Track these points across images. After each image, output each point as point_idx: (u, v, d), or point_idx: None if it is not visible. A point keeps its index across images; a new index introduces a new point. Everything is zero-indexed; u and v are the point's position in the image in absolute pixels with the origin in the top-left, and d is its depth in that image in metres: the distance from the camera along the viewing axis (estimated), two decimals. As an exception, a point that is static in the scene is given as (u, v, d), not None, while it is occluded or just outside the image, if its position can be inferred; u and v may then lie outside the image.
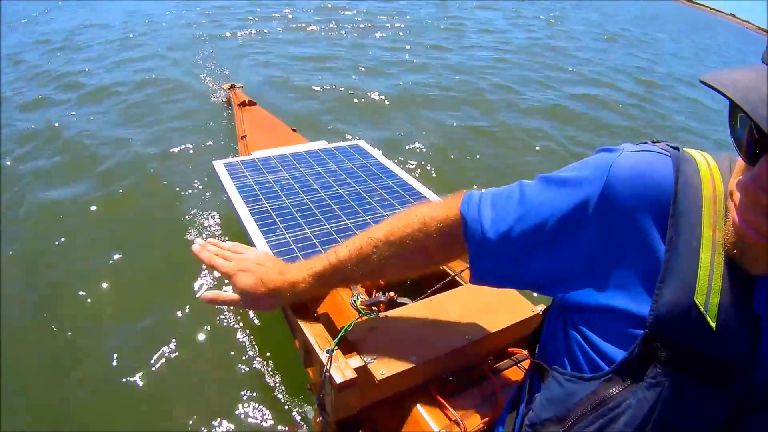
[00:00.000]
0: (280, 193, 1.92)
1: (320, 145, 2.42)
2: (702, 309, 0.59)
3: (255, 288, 1.08)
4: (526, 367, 1.21)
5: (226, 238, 2.66)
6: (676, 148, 0.70)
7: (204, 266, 2.47)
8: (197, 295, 1.03)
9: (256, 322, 2.21)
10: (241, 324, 2.21)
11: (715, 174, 0.65)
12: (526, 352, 1.27)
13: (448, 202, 0.95)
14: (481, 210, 0.86)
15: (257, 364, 2.04)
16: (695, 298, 0.59)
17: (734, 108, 0.56)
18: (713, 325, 0.58)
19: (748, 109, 0.49)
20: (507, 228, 0.81)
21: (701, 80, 0.54)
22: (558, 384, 0.74)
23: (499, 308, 1.27)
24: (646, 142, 0.74)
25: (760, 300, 0.60)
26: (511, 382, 1.20)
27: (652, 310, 0.62)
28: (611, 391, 0.65)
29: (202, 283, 2.39)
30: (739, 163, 0.59)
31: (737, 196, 0.58)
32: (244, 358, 2.07)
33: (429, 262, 1.01)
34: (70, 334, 2.14)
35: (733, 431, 0.61)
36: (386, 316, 1.23)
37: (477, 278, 0.91)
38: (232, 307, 0.91)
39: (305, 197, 1.89)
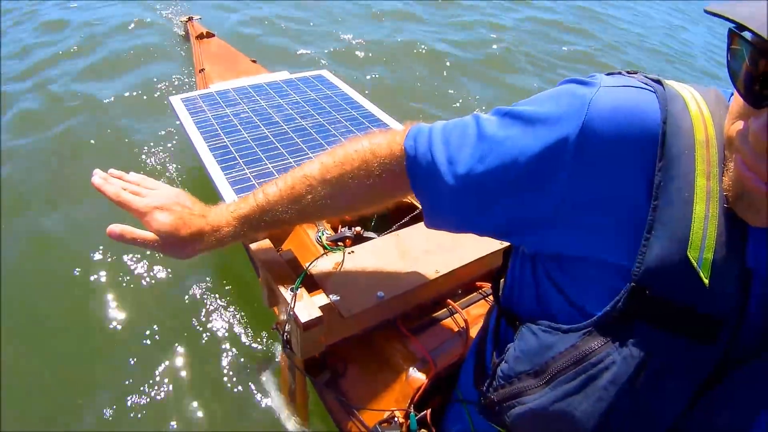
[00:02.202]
0: (239, 126, 1.84)
1: (281, 75, 2.32)
2: (695, 264, 0.55)
3: (177, 229, 0.90)
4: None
5: (181, 178, 2.58)
6: (658, 81, 0.63)
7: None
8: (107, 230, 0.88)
9: (213, 259, 2.16)
10: (201, 260, 2.15)
11: (706, 114, 0.59)
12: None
13: (391, 136, 0.85)
14: (433, 148, 0.76)
15: (219, 301, 2.00)
16: (688, 253, 0.55)
17: (732, 38, 0.50)
18: (706, 281, 0.55)
19: (754, 26, 0.44)
20: (466, 170, 0.71)
21: (705, 10, 0.49)
22: (533, 335, 0.69)
23: (467, 241, 1.24)
24: (620, 73, 0.67)
25: (752, 253, 0.57)
26: (480, 316, 1.18)
27: (638, 262, 0.57)
28: (592, 345, 0.61)
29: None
30: (736, 102, 0.54)
31: (740, 144, 0.52)
32: (204, 295, 2.02)
33: (372, 202, 0.91)
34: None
35: (716, 385, 0.59)
36: (352, 251, 1.19)
37: (432, 224, 0.84)
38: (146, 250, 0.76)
39: (266, 130, 1.81)
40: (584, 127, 0.60)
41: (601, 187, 0.60)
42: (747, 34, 0.48)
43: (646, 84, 0.62)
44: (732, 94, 0.63)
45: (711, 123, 0.59)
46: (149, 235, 0.91)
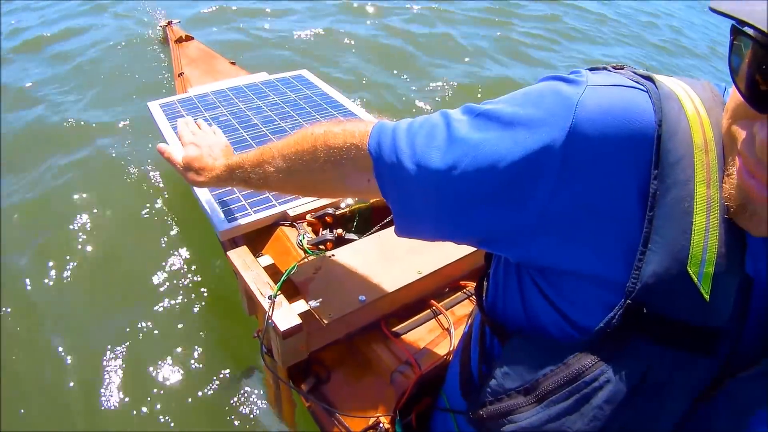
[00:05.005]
0: (218, 130, 1.80)
1: (261, 77, 2.29)
2: (695, 280, 0.52)
3: (191, 161, 1.13)
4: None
5: (163, 189, 2.55)
6: (649, 78, 0.58)
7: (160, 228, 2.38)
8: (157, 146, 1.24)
9: (195, 268, 2.14)
10: (184, 268, 2.14)
11: (703, 114, 0.55)
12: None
13: (349, 129, 0.80)
14: (399, 150, 0.70)
15: (200, 309, 1.98)
16: (688, 268, 0.52)
17: (734, 34, 0.47)
18: (707, 297, 0.52)
19: (756, 22, 0.41)
20: (437, 176, 0.65)
21: (710, 7, 0.46)
22: (521, 350, 0.66)
23: (450, 240, 1.22)
24: (605, 68, 0.61)
25: (752, 261, 0.54)
26: (466, 316, 1.16)
27: (634, 278, 0.54)
28: (585, 363, 0.57)
29: (145, 233, 2.30)
30: (734, 99, 0.51)
31: (744, 151, 0.48)
32: (186, 302, 2.00)
33: (322, 189, 0.95)
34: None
35: (715, 394, 0.57)
36: (332, 255, 1.17)
37: (402, 232, 0.78)
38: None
39: (245, 133, 1.78)
40: (571, 131, 0.55)
41: (590, 195, 0.56)
42: (749, 30, 0.45)
43: (636, 82, 0.57)
44: (725, 89, 0.60)
45: (709, 124, 0.54)
46: (177, 159, 1.18)
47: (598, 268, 0.58)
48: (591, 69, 0.63)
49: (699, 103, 0.56)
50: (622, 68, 0.62)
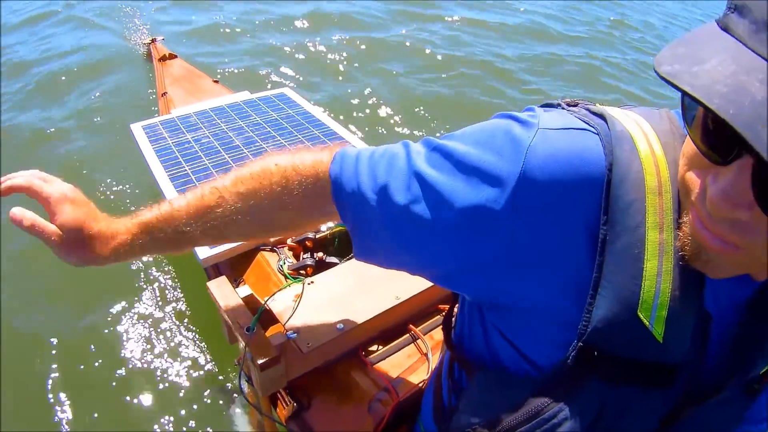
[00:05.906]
0: (200, 153, 1.82)
1: (243, 96, 2.30)
2: (647, 324, 0.52)
3: (83, 225, 0.79)
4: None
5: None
6: (601, 116, 0.57)
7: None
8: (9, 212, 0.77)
9: (181, 292, 2.15)
10: (166, 290, 2.14)
11: (658, 153, 0.54)
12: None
13: (318, 154, 0.77)
14: (360, 179, 0.70)
15: (182, 333, 1.98)
16: (639, 313, 0.52)
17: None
18: (660, 339, 0.52)
19: (749, 137, 0.36)
20: (395, 210, 0.66)
21: (657, 72, 0.42)
22: (484, 386, 0.68)
23: (428, 264, 1.23)
24: (558, 105, 0.62)
25: (711, 295, 0.54)
26: (442, 341, 1.18)
27: (585, 322, 0.54)
28: (543, 400, 0.58)
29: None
30: (690, 146, 0.49)
31: (697, 203, 0.48)
32: (168, 326, 2.01)
33: (293, 224, 0.84)
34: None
35: (679, 419, 0.58)
36: (312, 281, 1.18)
37: (361, 257, 0.78)
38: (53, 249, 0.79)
39: (226, 156, 1.80)
40: (521, 177, 0.55)
41: (541, 238, 0.56)
42: None
43: (588, 123, 0.56)
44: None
45: (665, 164, 0.53)
46: (53, 228, 0.79)
47: (552, 306, 0.58)
48: (544, 105, 0.63)
49: (654, 139, 0.55)
50: (576, 105, 0.61)
